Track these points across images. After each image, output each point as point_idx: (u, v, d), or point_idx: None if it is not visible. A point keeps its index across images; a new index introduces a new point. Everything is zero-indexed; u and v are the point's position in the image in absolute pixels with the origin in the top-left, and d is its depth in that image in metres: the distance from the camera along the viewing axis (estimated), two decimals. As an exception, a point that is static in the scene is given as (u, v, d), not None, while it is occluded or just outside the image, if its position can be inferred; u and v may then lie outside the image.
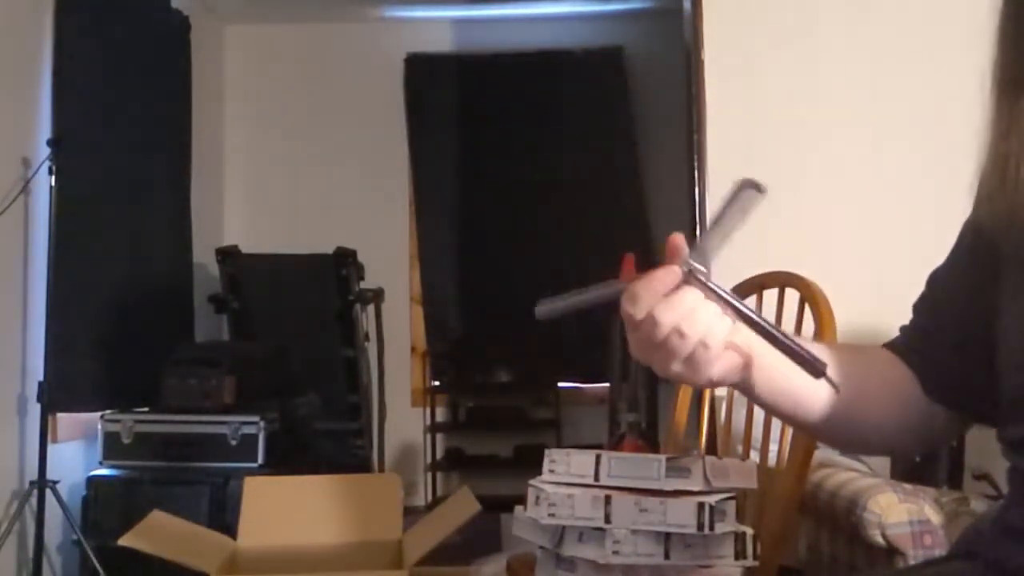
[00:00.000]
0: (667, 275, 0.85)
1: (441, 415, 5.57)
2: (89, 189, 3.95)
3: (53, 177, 3.51)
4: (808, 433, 1.02)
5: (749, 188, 0.86)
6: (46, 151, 3.55)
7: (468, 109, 5.67)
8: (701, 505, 1.38)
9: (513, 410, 5.46)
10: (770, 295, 1.85)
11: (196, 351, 4.32)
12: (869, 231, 3.10)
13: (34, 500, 3.43)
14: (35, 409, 3.52)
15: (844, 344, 1.06)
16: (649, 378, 3.92)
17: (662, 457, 1.43)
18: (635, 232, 5.30)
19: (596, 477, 1.44)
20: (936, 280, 1.06)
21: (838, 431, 1.02)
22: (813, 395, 0.97)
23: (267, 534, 2.35)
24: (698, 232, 3.28)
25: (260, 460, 3.79)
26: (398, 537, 2.35)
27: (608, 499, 1.40)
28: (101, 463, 3.81)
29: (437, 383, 5.51)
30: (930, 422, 1.03)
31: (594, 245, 5.10)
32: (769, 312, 1.71)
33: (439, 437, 5.47)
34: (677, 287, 0.85)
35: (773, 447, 1.83)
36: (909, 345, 1.05)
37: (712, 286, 0.86)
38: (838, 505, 2.05)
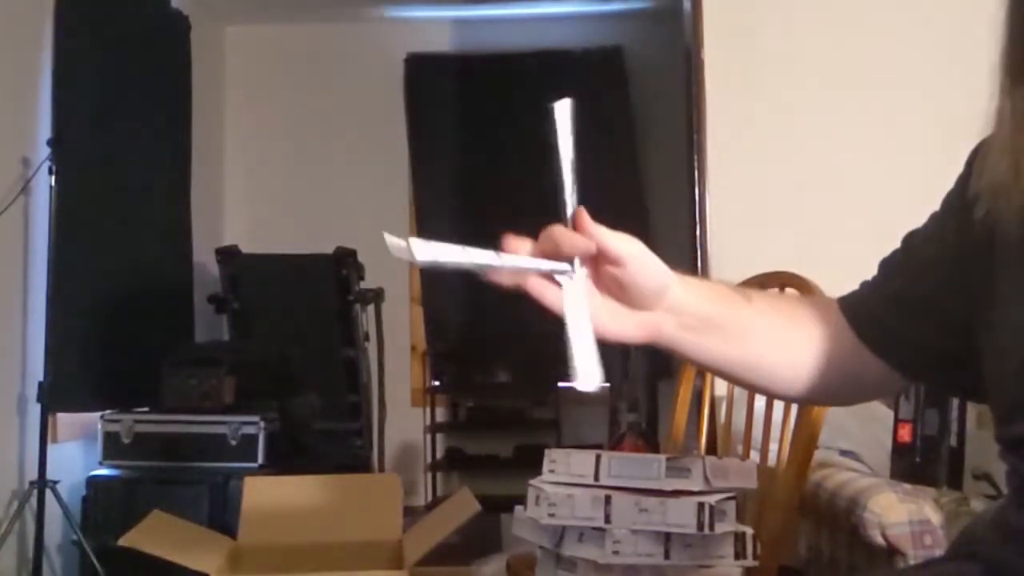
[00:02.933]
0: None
1: (441, 415, 5.56)
2: (89, 189, 3.95)
3: (53, 177, 3.51)
4: (729, 373, 1.08)
5: None
6: (46, 151, 3.55)
7: (468, 109, 5.66)
8: (701, 505, 1.38)
9: (513, 410, 5.45)
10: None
11: (196, 351, 4.32)
12: (869, 230, 3.09)
13: (34, 500, 3.43)
14: (35, 409, 3.51)
15: (778, 297, 1.11)
16: (649, 378, 3.92)
17: (662, 457, 1.43)
18: (635, 231, 5.28)
19: (596, 477, 1.44)
20: (912, 242, 1.06)
21: (759, 368, 1.05)
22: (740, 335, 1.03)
23: (267, 534, 2.35)
24: (697, 232, 3.28)
25: (260, 460, 3.79)
26: (398, 537, 2.35)
27: (608, 499, 1.40)
28: (101, 463, 3.81)
29: (437, 383, 5.51)
30: (857, 371, 1.05)
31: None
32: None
33: (439, 437, 5.47)
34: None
35: (773, 447, 1.83)
36: (858, 299, 1.07)
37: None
38: (838, 505, 2.05)
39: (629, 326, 0.99)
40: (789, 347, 1.05)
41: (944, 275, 0.98)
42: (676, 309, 1.00)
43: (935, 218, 1.03)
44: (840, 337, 1.05)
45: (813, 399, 1.17)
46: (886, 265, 1.07)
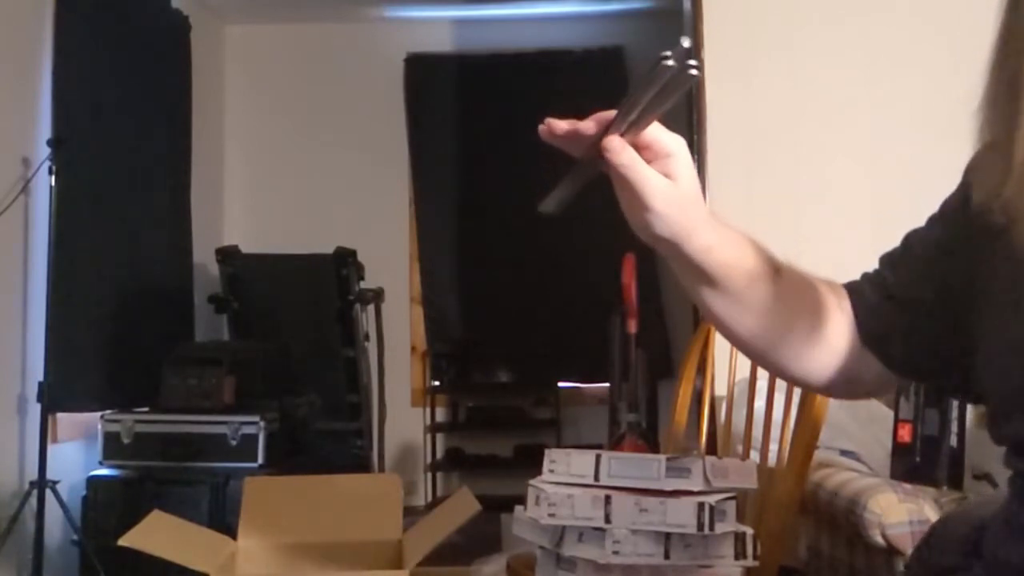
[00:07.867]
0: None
1: (441, 415, 5.56)
2: (89, 189, 3.95)
3: (53, 177, 3.51)
4: (731, 328, 1.02)
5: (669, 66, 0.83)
6: (46, 151, 3.55)
7: (468, 109, 5.66)
8: (701, 505, 1.38)
9: (513, 410, 5.45)
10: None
11: (196, 351, 4.32)
12: (868, 228, 3.10)
13: (34, 500, 3.42)
14: (35, 409, 3.52)
15: (795, 268, 1.05)
16: (649, 378, 3.92)
17: (662, 457, 1.43)
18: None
19: (596, 477, 1.44)
20: (912, 240, 1.05)
21: (762, 334, 1.02)
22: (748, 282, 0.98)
23: (267, 534, 2.35)
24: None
25: (260, 460, 3.79)
26: (398, 537, 2.35)
27: (608, 499, 1.40)
28: (101, 463, 3.81)
29: (437, 383, 5.51)
30: (858, 367, 1.03)
31: (594, 244, 5.10)
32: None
33: (439, 437, 5.47)
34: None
35: (773, 447, 1.83)
36: (859, 288, 1.05)
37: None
38: (838, 505, 2.05)
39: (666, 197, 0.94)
40: (797, 336, 1.03)
41: (938, 280, 0.98)
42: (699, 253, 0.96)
43: (933, 221, 1.03)
44: (846, 332, 1.03)
45: (803, 385, 1.14)
46: (886, 261, 1.07)
